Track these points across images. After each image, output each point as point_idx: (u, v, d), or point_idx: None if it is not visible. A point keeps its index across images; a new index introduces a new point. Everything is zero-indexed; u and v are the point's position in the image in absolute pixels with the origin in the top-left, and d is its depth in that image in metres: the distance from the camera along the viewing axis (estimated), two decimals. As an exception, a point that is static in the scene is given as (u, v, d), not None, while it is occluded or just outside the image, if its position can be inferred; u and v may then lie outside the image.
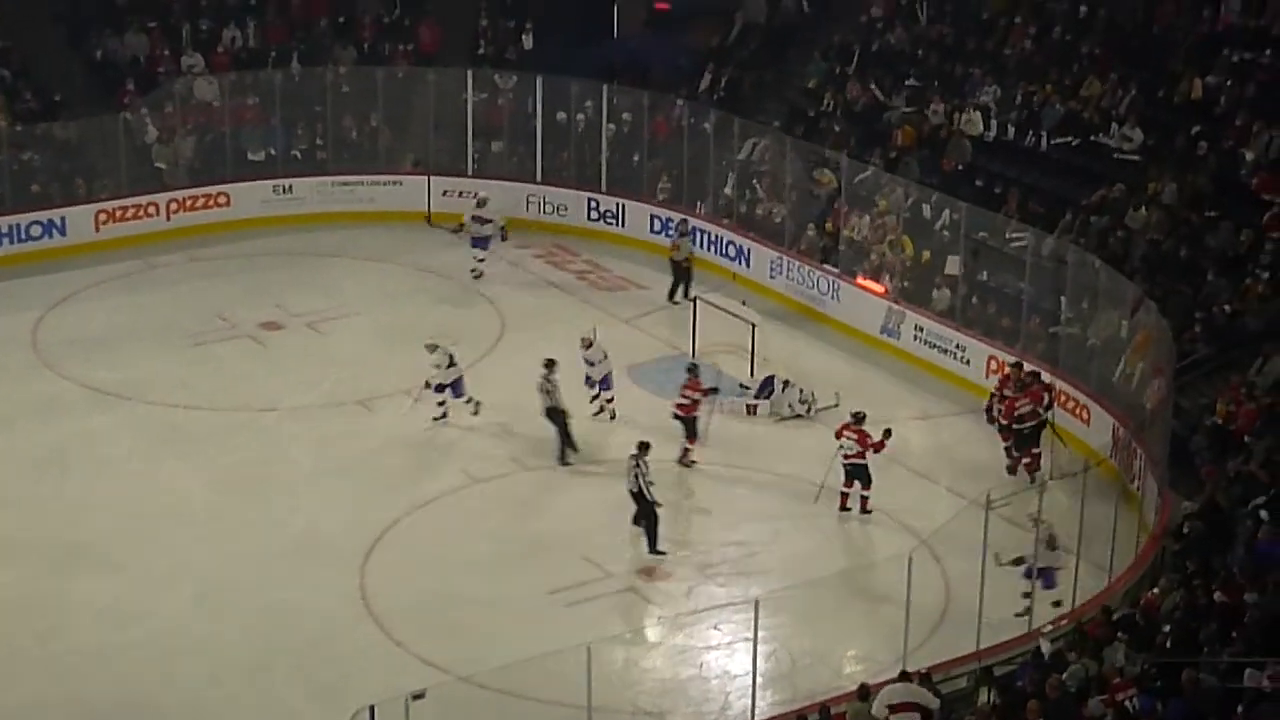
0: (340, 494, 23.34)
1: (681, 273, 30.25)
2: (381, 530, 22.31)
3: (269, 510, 22.84)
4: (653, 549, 21.84)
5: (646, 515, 21.94)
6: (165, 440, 24.66)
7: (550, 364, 24.25)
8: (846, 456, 22.79)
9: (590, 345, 25.14)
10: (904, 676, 17.49)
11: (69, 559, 21.41)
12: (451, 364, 24.97)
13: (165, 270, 30.47)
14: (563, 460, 24.28)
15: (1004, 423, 23.86)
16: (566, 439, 24.32)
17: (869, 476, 22.82)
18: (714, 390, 24.90)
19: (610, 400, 25.35)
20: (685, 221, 30.98)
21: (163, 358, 27.39)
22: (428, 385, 24.97)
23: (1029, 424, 23.71)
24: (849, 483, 22.88)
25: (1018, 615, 19.73)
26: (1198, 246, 26.43)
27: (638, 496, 21.94)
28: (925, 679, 17.77)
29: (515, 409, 25.44)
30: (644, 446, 22.04)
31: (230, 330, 28.61)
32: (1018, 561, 20.06)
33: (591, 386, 25.23)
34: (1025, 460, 23.65)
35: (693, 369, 24.83)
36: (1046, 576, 20.05)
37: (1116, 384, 24.49)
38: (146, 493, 23.13)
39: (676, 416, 24.24)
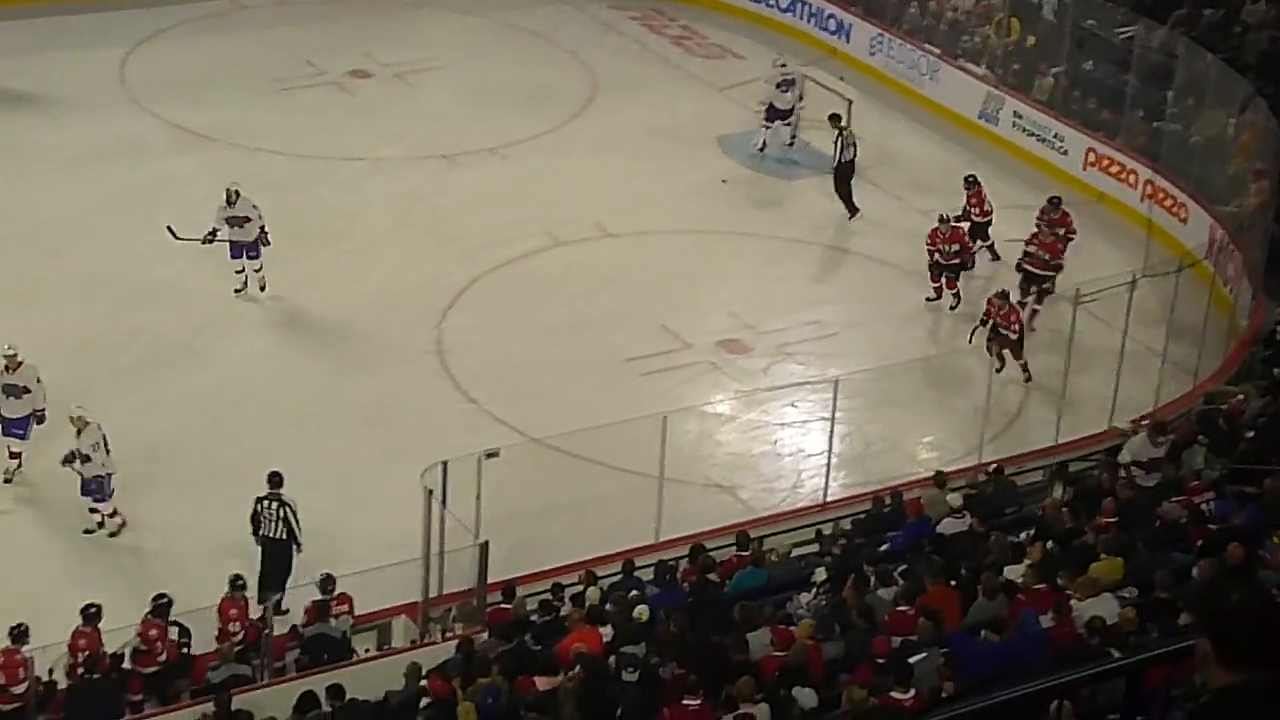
0: (420, 250, 23.20)
1: None
2: (460, 288, 22.19)
3: (348, 262, 22.74)
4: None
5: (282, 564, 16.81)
6: (247, 185, 24.22)
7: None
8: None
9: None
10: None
11: (146, 298, 21.40)
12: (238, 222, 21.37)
13: (254, 12, 30.05)
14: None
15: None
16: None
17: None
18: None
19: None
20: None
21: (248, 101, 27.11)
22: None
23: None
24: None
25: None
26: (1315, 44, 25.58)
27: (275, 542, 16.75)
28: (998, 472, 17.66)
29: (599, 171, 25.17)
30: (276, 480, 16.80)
31: (318, 76, 28.28)
32: None
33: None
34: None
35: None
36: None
37: (1222, 185, 23.88)
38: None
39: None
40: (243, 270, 21.63)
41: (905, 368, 20.49)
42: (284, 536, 16.61)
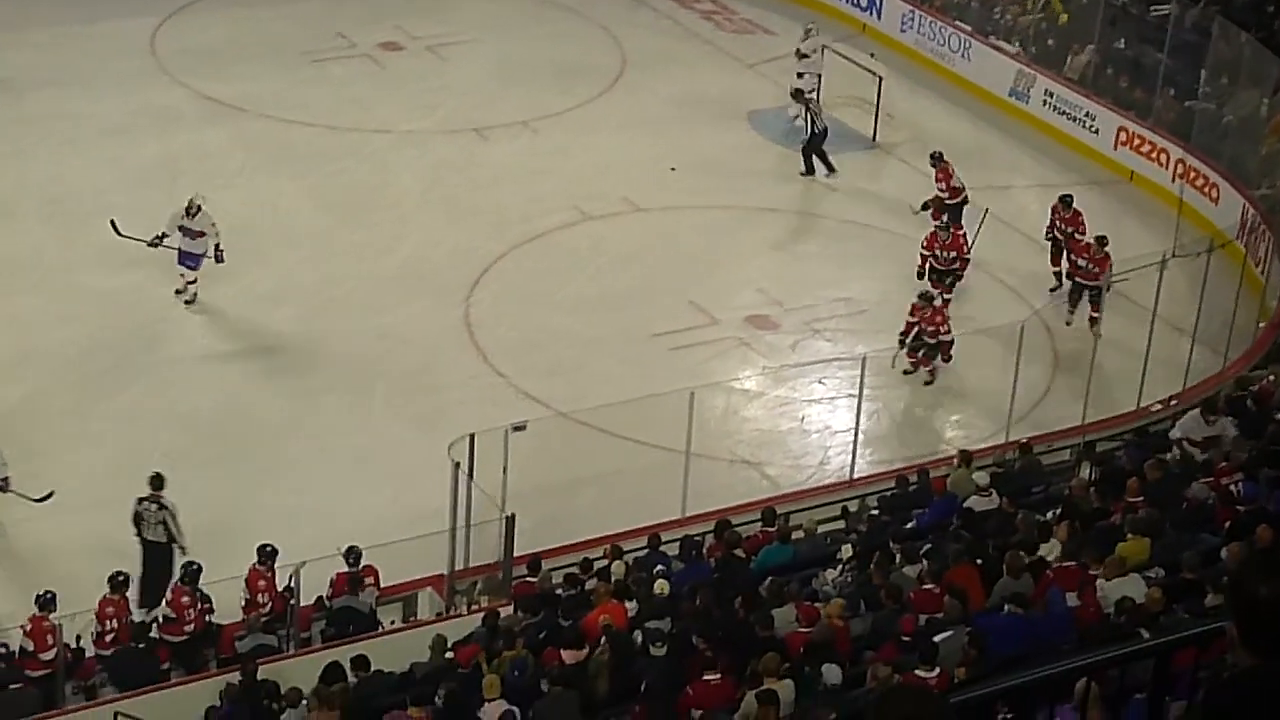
0: (449, 223, 23.21)
1: None
2: (489, 262, 22.20)
3: (376, 235, 22.76)
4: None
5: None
6: (277, 157, 24.54)
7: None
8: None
9: None
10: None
11: (174, 270, 21.40)
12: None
13: (286, -16, 30.06)
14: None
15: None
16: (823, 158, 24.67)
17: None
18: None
19: None
20: None
21: (279, 73, 27.11)
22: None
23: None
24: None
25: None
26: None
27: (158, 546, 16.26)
28: (1025, 449, 17.63)
29: (628, 146, 25.14)
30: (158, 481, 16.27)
31: (349, 49, 28.28)
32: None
33: None
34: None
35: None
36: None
37: (1254, 165, 23.75)
38: (254, 208, 23.01)
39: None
40: (194, 282, 20.87)
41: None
42: (164, 540, 16.16)
